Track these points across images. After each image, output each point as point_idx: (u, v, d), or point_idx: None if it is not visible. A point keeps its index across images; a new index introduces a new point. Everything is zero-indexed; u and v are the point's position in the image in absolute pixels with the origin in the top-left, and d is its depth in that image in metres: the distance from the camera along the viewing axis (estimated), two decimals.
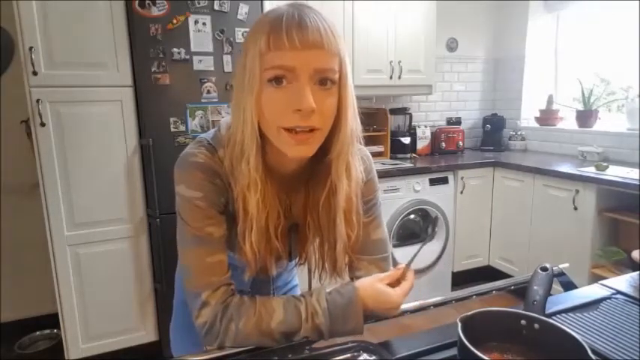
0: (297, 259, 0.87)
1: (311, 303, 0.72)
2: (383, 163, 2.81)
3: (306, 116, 0.64)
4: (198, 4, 2.03)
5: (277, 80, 0.64)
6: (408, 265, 0.78)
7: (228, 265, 0.80)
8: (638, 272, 0.95)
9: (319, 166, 0.75)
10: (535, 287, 0.75)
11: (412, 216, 2.78)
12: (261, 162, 0.69)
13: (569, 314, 0.77)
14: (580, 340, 0.60)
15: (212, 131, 0.77)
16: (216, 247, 0.73)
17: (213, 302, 0.71)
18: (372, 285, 0.75)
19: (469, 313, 0.67)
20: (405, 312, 0.84)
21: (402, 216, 2.67)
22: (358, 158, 0.78)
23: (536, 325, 0.68)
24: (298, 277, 1.08)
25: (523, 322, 0.69)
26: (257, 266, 0.75)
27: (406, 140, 3.11)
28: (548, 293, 0.74)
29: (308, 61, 0.63)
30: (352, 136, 0.72)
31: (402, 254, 2.59)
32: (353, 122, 0.71)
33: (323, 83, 0.65)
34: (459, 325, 0.64)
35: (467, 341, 0.60)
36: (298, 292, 1.05)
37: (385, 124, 3.03)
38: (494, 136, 3.46)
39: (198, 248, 0.72)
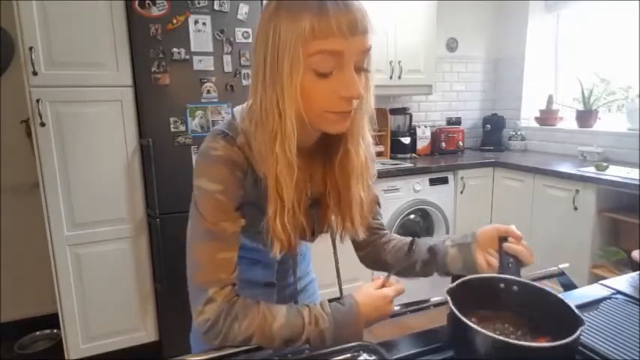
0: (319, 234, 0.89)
1: (315, 309, 0.74)
2: (383, 163, 2.81)
3: (351, 101, 0.66)
4: (198, 4, 2.03)
5: (324, 75, 0.63)
6: (388, 276, 0.83)
7: (252, 260, 0.84)
8: (638, 272, 0.95)
9: (335, 136, 0.75)
10: (505, 254, 0.78)
11: (412, 216, 2.78)
12: (295, 144, 0.68)
13: None
14: (559, 296, 0.63)
15: (226, 121, 0.77)
16: (228, 243, 0.73)
17: (220, 300, 0.71)
18: (366, 291, 0.80)
19: (453, 284, 0.69)
20: (405, 312, 0.85)
21: (402, 216, 2.67)
22: (369, 129, 0.79)
23: (515, 287, 0.70)
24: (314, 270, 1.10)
25: (502, 285, 0.71)
26: (289, 245, 0.74)
27: (406, 140, 3.11)
28: (519, 259, 0.77)
29: (355, 47, 0.63)
30: (368, 113, 0.74)
31: None
32: (372, 102, 0.74)
33: (358, 70, 0.66)
34: (448, 297, 0.65)
35: (458, 312, 0.61)
36: (316, 285, 1.07)
37: (385, 124, 3.03)
38: (494, 136, 3.46)
39: (211, 243, 0.71)
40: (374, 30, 0.65)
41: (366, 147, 0.78)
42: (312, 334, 0.71)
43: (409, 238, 0.92)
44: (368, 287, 0.80)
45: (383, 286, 0.81)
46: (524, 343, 0.58)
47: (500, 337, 0.57)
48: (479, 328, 0.58)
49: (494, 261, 0.79)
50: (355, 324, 0.74)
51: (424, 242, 0.91)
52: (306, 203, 0.79)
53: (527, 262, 0.76)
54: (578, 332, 0.56)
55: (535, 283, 0.70)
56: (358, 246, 0.97)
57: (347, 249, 0.95)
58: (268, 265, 0.91)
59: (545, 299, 0.66)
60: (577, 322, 0.58)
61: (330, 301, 0.78)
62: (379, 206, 0.96)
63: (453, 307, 0.63)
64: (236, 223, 0.74)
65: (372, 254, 0.97)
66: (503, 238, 0.80)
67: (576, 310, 0.60)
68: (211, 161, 0.71)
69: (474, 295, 0.70)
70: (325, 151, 0.78)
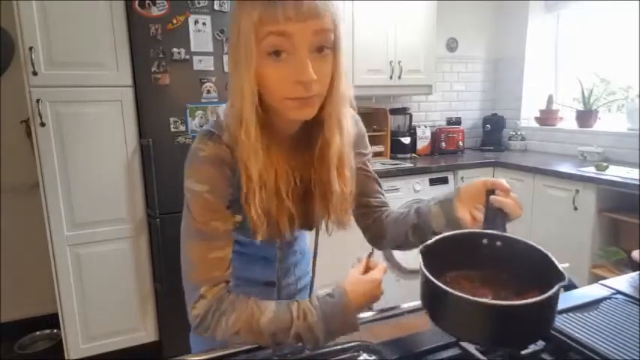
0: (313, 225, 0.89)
1: (303, 303, 0.73)
2: (383, 163, 2.81)
3: (307, 86, 0.65)
4: (198, 4, 2.03)
5: (276, 53, 0.64)
6: (369, 256, 0.82)
7: (252, 256, 0.85)
8: (638, 272, 0.95)
9: (314, 124, 0.76)
10: (491, 208, 0.72)
11: None
12: (259, 131, 0.70)
13: (569, 314, 0.77)
14: (543, 251, 0.60)
15: (211, 121, 0.78)
16: (220, 242, 0.74)
17: (210, 296, 0.73)
18: (353, 278, 0.77)
19: (429, 241, 0.66)
20: (404, 312, 0.85)
21: None
22: (350, 118, 0.80)
23: (499, 243, 0.66)
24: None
25: (484, 240, 0.67)
26: (267, 231, 0.75)
27: (406, 140, 3.11)
28: (505, 213, 0.71)
29: (305, 31, 0.63)
30: (343, 98, 0.74)
31: (401, 254, 2.59)
32: (345, 85, 0.73)
33: (320, 50, 0.66)
34: (420, 256, 0.62)
35: (429, 273, 0.57)
36: (314, 285, 1.07)
37: (385, 124, 3.03)
38: (494, 136, 3.46)
39: (202, 242, 0.73)
40: (332, 10, 0.65)
41: (346, 135, 0.77)
42: (301, 329, 0.70)
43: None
44: (354, 273, 0.78)
45: (367, 268, 0.79)
46: (494, 301, 0.54)
47: (469, 297, 0.53)
48: (448, 289, 0.54)
49: (480, 215, 0.75)
50: (345, 314, 0.72)
51: (416, 206, 0.88)
52: (298, 192, 0.80)
53: (514, 215, 0.71)
54: (554, 289, 0.52)
55: (520, 238, 0.65)
56: (363, 229, 0.97)
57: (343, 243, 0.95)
58: (268, 263, 0.91)
59: (530, 254, 0.62)
60: (559, 277, 0.55)
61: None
62: (379, 185, 0.96)
63: (422, 267, 0.59)
64: (227, 221, 0.75)
65: (375, 234, 0.96)
66: (490, 192, 0.74)
67: (559, 265, 0.57)
68: (198, 162, 0.73)
69: (454, 252, 0.66)
70: (307, 139, 0.78)
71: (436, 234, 0.74)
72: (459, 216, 0.77)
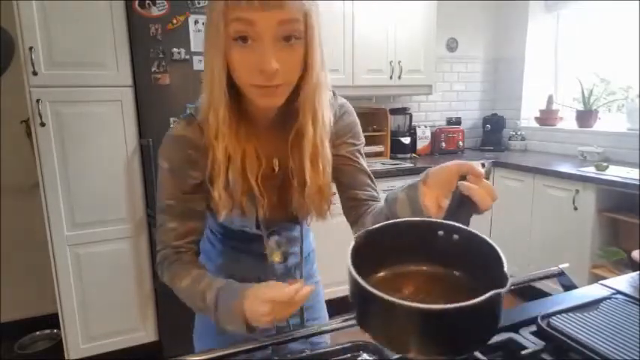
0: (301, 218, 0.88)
1: (211, 284, 0.75)
2: (383, 163, 2.81)
3: (270, 76, 0.65)
4: (198, 4, 2.03)
5: (243, 39, 0.64)
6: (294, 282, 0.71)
7: (247, 250, 0.89)
8: (638, 272, 0.95)
9: (291, 113, 0.77)
10: (457, 196, 0.62)
11: None
12: (228, 113, 0.71)
13: (569, 314, 0.77)
14: (498, 251, 0.52)
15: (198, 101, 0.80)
16: (176, 217, 0.81)
17: (159, 255, 0.83)
18: (261, 290, 0.70)
19: (371, 228, 0.58)
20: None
21: None
22: (328, 107, 0.79)
23: (456, 236, 0.57)
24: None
25: (440, 232, 0.58)
26: (234, 212, 0.78)
27: (406, 140, 3.11)
28: (473, 203, 0.61)
29: (270, 20, 0.63)
30: (318, 88, 0.73)
31: None
32: (320, 74, 0.73)
33: (287, 40, 0.66)
34: (351, 246, 0.53)
35: (356, 273, 0.48)
36: (321, 288, 1.07)
37: (385, 124, 3.03)
38: (494, 136, 3.46)
39: (161, 215, 0.82)
40: (302, 3, 0.66)
41: (321, 126, 0.76)
42: (200, 306, 0.76)
43: None
44: (269, 289, 0.70)
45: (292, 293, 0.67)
46: (419, 305, 0.44)
47: (390, 298, 0.44)
48: (368, 287, 0.46)
49: (447, 202, 0.66)
50: (232, 313, 0.70)
51: (387, 194, 0.81)
52: (277, 180, 0.82)
53: (482, 206, 0.61)
54: (487, 296, 0.44)
55: (478, 233, 0.55)
56: (351, 224, 0.91)
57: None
58: (258, 260, 0.90)
59: (487, 253, 0.53)
60: (502, 283, 0.47)
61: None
62: (370, 178, 0.90)
63: (349, 260, 0.50)
64: (184, 201, 0.79)
65: (361, 229, 0.89)
66: (463, 178, 0.64)
67: (505, 270, 0.49)
68: (165, 140, 0.79)
69: (404, 243, 0.58)
70: (284, 127, 0.79)
71: None
72: (424, 204, 0.68)
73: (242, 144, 0.74)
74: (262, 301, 0.67)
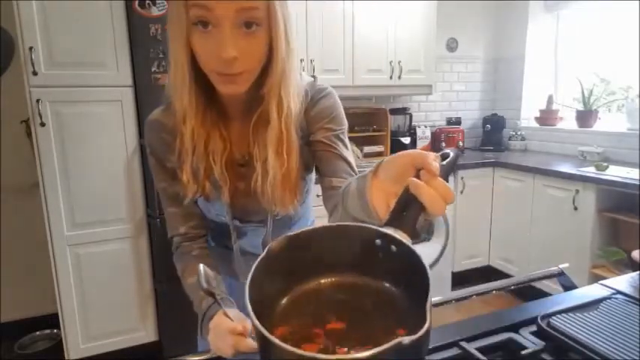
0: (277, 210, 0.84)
1: (208, 300, 0.79)
2: None
3: (228, 63, 0.65)
4: None
5: (203, 24, 0.64)
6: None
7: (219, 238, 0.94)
8: (638, 272, 0.95)
9: (258, 99, 0.76)
10: (405, 197, 0.49)
11: None
12: (193, 97, 0.72)
13: (569, 314, 0.77)
14: (429, 278, 0.43)
15: None
16: (171, 200, 0.86)
17: (173, 243, 0.90)
18: (221, 324, 0.73)
19: (276, 241, 0.48)
20: None
21: None
22: (295, 95, 0.76)
23: (394, 248, 0.47)
24: None
25: (378, 241, 0.48)
26: (195, 192, 0.80)
27: (406, 140, 3.10)
28: (422, 207, 0.48)
29: (228, 7, 0.63)
30: (284, 74, 0.72)
31: None
32: (285, 61, 0.71)
33: (248, 26, 0.65)
34: (255, 265, 0.44)
35: (251, 306, 0.40)
36: None
37: (385, 124, 3.02)
38: (494, 136, 3.45)
39: (163, 199, 0.88)
40: None
41: (287, 114, 0.75)
42: (199, 310, 0.82)
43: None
44: (227, 323, 0.72)
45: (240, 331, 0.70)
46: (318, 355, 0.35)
47: (280, 344, 0.36)
48: (263, 330, 0.38)
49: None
50: (207, 329, 0.77)
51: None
52: (243, 167, 0.82)
53: (431, 211, 0.47)
54: (387, 345, 0.34)
55: (415, 250, 0.45)
56: (329, 214, 0.81)
57: None
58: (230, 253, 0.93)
59: (420, 275, 0.44)
60: (417, 324, 0.38)
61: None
62: (350, 165, 0.82)
63: (247, 297, 0.41)
64: (172, 183, 0.83)
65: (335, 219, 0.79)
66: (419, 171, 0.50)
67: (428, 309, 0.40)
68: (144, 127, 0.86)
69: (337, 251, 0.49)
70: (250, 114, 0.78)
71: (358, 221, 0.57)
72: (371, 203, 0.56)
73: (207, 128, 0.76)
74: (222, 334, 0.72)
